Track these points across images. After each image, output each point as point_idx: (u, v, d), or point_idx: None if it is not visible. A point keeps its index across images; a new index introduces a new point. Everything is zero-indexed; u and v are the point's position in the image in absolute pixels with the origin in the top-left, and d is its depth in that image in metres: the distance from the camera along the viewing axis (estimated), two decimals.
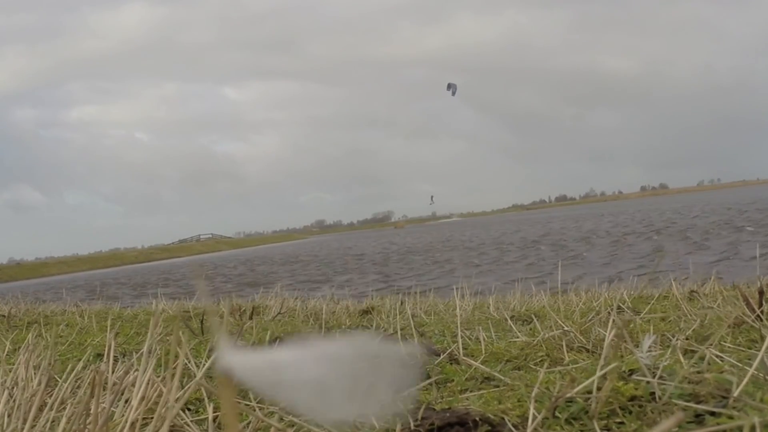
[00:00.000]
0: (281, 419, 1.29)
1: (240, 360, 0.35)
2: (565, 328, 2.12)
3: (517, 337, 2.20)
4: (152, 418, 1.21)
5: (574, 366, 1.69)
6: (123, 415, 1.25)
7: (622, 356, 1.61)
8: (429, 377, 1.74)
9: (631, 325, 2.22)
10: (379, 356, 0.37)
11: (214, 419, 1.34)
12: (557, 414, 1.25)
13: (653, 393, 1.28)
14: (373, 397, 0.36)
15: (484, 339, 2.17)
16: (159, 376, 1.35)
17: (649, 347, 1.46)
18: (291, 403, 0.35)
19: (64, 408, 1.31)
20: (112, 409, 1.26)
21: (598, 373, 1.29)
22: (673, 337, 1.98)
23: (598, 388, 1.27)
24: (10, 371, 1.50)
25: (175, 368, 1.12)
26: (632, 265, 12.12)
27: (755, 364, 1.29)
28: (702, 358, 1.51)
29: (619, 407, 1.25)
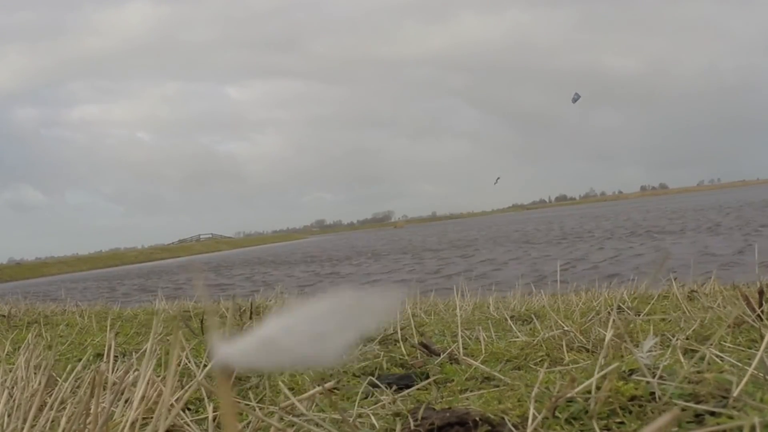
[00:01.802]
0: (281, 419, 1.29)
1: (234, 348, 0.36)
2: (565, 328, 2.12)
3: (517, 337, 2.20)
4: (152, 418, 1.21)
5: (574, 366, 1.69)
6: (123, 415, 1.25)
7: (622, 356, 1.61)
8: (429, 377, 1.74)
9: (631, 325, 2.22)
10: (359, 299, 0.38)
11: (214, 419, 1.34)
12: (557, 414, 1.25)
13: (653, 393, 1.28)
14: (359, 326, 0.37)
15: (484, 339, 2.17)
16: (159, 376, 1.35)
17: (650, 348, 1.46)
18: (291, 360, 0.36)
19: (64, 408, 1.32)
20: (112, 409, 1.26)
21: (598, 374, 1.29)
22: (673, 337, 1.98)
23: (598, 388, 1.27)
24: (10, 371, 1.50)
25: (173, 368, 1.12)
26: None
27: (755, 363, 1.29)
28: (702, 358, 1.51)
29: (620, 407, 1.25)
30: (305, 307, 0.37)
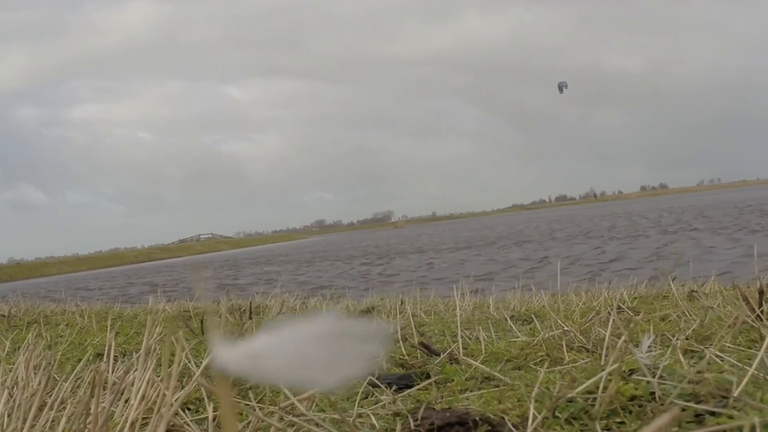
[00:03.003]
0: (281, 419, 1.29)
1: (228, 354, 0.36)
2: (565, 328, 2.12)
3: (517, 337, 2.20)
4: (152, 417, 1.21)
5: (574, 366, 1.69)
6: (123, 415, 1.25)
7: (622, 356, 1.62)
8: (429, 377, 1.74)
9: (631, 325, 2.22)
10: (349, 329, 0.38)
11: (214, 419, 1.34)
12: (557, 414, 1.25)
13: (653, 393, 1.28)
14: (348, 363, 0.37)
15: (484, 339, 2.17)
16: (159, 376, 1.35)
17: (649, 347, 1.46)
18: (274, 380, 0.36)
19: (64, 408, 1.32)
20: (112, 408, 1.26)
21: (604, 373, 1.29)
22: (673, 337, 1.98)
23: (604, 388, 1.27)
24: (10, 371, 1.50)
25: (173, 368, 1.12)
26: None
27: (755, 364, 1.29)
28: (702, 359, 1.51)
29: (620, 407, 1.25)
30: (294, 327, 0.37)
